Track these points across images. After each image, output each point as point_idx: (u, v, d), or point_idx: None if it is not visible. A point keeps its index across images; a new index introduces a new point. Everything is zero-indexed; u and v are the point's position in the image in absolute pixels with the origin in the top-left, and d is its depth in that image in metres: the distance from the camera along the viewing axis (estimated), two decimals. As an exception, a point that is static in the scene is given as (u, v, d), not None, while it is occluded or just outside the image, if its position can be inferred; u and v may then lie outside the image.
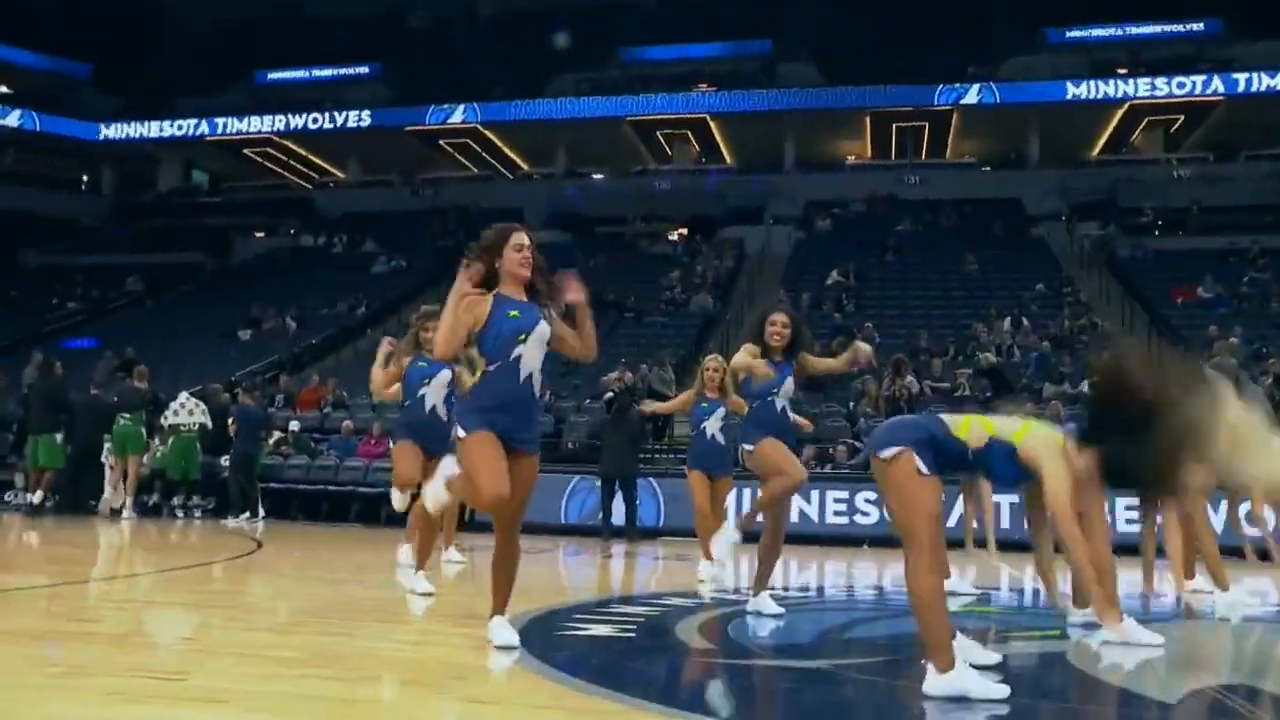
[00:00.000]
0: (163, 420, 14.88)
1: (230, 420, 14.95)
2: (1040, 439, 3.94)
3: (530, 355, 4.29)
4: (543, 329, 4.32)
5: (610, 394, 16.78)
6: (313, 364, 22.30)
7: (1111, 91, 29.97)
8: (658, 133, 34.26)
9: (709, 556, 7.79)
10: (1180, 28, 32.08)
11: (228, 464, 14.80)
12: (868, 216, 30.45)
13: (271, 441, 15.87)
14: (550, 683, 3.64)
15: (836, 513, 13.56)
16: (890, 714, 3.63)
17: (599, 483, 13.64)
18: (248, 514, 14.21)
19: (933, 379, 18.74)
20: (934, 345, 20.19)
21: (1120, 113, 30.70)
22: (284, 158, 36.58)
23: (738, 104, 32.29)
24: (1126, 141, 32.45)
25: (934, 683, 3.56)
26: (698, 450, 7.97)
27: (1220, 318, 21.25)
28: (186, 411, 14.95)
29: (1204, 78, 29.55)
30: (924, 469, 3.65)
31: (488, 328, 4.28)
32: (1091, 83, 30.00)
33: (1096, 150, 32.60)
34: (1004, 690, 3.53)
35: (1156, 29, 32.14)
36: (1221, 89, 29.39)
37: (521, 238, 4.39)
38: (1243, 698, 3.83)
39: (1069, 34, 32.47)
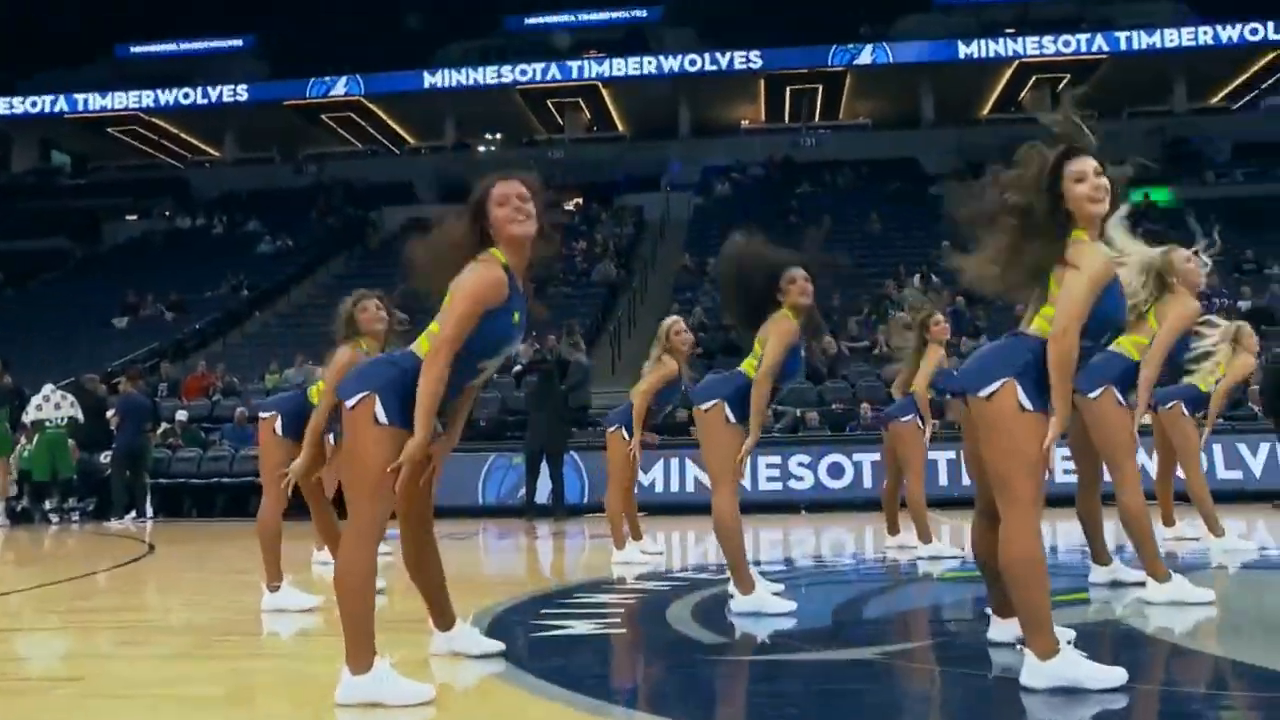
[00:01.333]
0: (24, 417, 13.49)
1: (111, 412, 13.69)
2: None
3: (494, 367, 3.35)
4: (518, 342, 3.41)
5: (519, 367, 15.98)
6: (198, 350, 20.90)
7: (1001, 50, 30.11)
8: (548, 101, 33.31)
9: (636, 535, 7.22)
10: (1064, -14, 32.39)
11: (109, 460, 13.54)
12: (766, 180, 30.08)
13: (158, 433, 14.63)
14: (563, 706, 2.89)
15: (770, 479, 13.01)
16: (988, 715, 2.95)
17: (517, 460, 12.87)
18: (133, 513, 13.02)
19: (850, 338, 18.43)
20: (846, 304, 19.92)
21: (1010, 71, 30.87)
22: (154, 136, 34.55)
23: (631, 71, 31.52)
24: (1016, 100, 32.65)
25: (1036, 672, 2.92)
26: (625, 410, 7.23)
27: (1122, 268, 21.35)
28: (52, 405, 13.56)
29: (1088, 36, 29.87)
30: (1028, 404, 3.01)
31: (485, 320, 3.13)
32: (981, 41, 30.10)
33: (987, 109, 32.75)
34: (1120, 675, 2.90)
35: (1041, -13, 32.38)
36: (1105, 47, 29.74)
37: (508, 183, 3.26)
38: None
39: (960, -9, 32.53)
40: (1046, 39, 29.81)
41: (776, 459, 13.08)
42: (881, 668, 3.40)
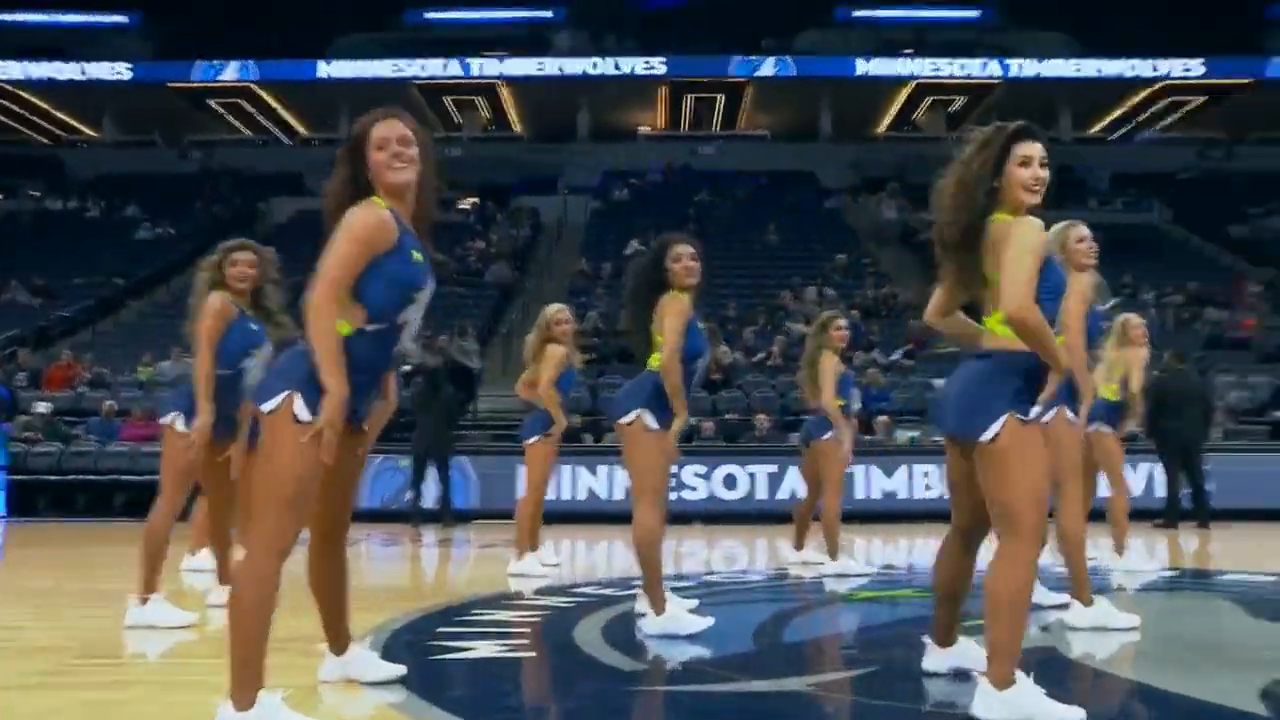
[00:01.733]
0: None
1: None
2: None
3: (415, 321, 3.00)
4: (431, 286, 3.04)
5: (408, 367, 15.49)
6: (64, 339, 19.75)
7: (899, 70, 30.57)
8: (446, 99, 32.66)
9: (534, 546, 6.92)
10: (959, 13, 33.03)
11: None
12: (664, 187, 30.01)
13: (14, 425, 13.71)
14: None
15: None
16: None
17: (404, 462, 12.39)
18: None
19: (745, 349, 18.38)
20: (742, 315, 19.91)
21: (907, 91, 31.36)
22: (23, 111, 32.71)
23: (531, 71, 31.11)
24: (911, 119, 33.25)
25: (990, 702, 2.72)
26: (546, 418, 6.96)
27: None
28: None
29: (982, 61, 30.52)
30: (1025, 421, 2.90)
31: (383, 266, 2.86)
32: (880, 60, 30.51)
33: (883, 127, 33.24)
34: (1079, 715, 2.71)
35: (938, 13, 32.96)
36: (998, 72, 30.44)
37: (387, 124, 2.99)
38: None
39: (856, 13, 32.89)
40: (943, 61, 30.38)
41: (670, 469, 12.84)
42: (811, 700, 3.16)
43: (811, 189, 29.60)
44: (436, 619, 4.59)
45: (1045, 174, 3.10)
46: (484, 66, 31.17)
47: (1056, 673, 3.57)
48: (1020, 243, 2.93)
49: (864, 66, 30.33)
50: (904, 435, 13.53)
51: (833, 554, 6.67)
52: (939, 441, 13.41)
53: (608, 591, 5.60)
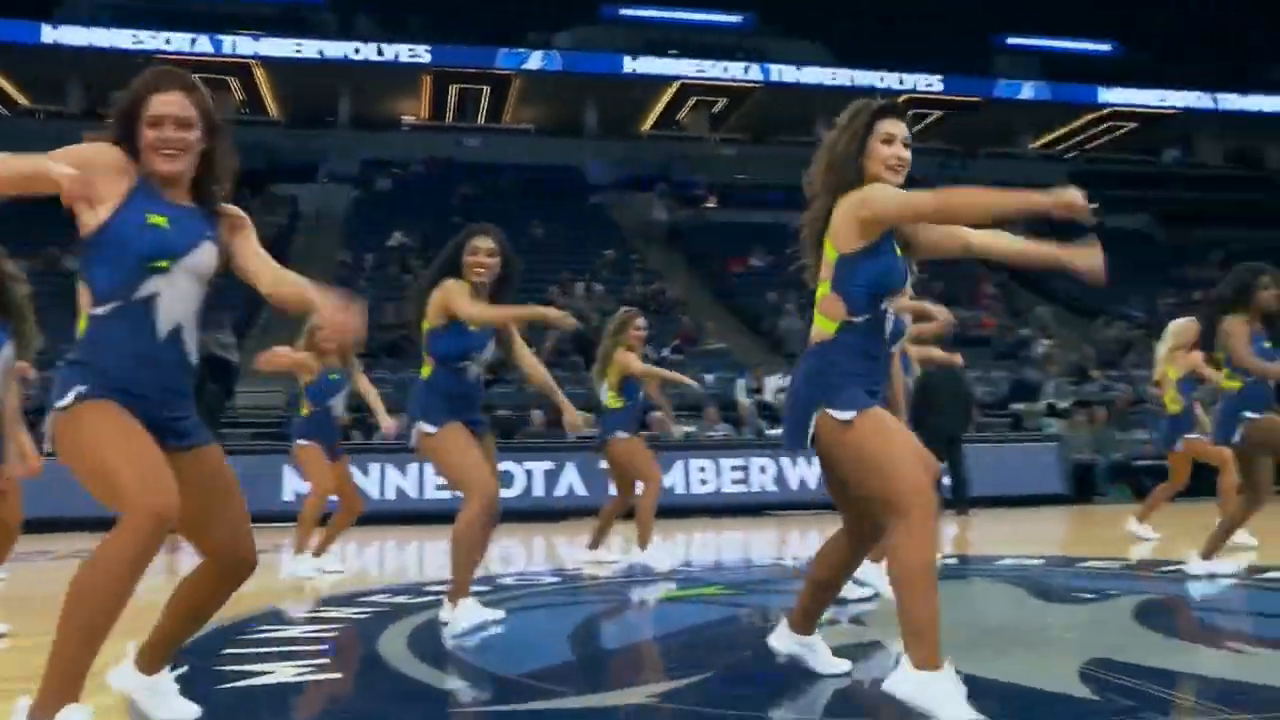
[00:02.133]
0: None
1: None
2: None
3: (175, 296, 2.60)
4: (204, 255, 2.66)
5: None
6: None
7: (665, 69, 31.06)
8: (194, 77, 30.57)
9: (318, 550, 6.56)
10: (722, 18, 33.93)
11: None
12: (427, 178, 29.31)
13: None
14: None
15: (439, 487, 12.32)
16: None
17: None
18: None
19: (516, 344, 18.08)
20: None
21: (672, 91, 31.93)
22: None
23: (290, 53, 29.64)
24: (675, 118, 33.88)
25: (905, 680, 2.68)
26: (317, 424, 6.60)
27: (773, 285, 22.59)
28: None
29: (744, 65, 31.45)
30: (844, 414, 2.85)
31: (104, 232, 2.54)
32: (647, 59, 30.90)
33: (649, 125, 33.71)
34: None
35: (702, 16, 33.73)
36: (759, 77, 31.46)
37: (167, 99, 2.62)
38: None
39: (623, 11, 33.22)
40: (707, 63, 31.09)
41: (414, 467, 12.43)
42: (658, 713, 2.98)
43: (577, 184, 29.67)
44: (217, 636, 4.12)
45: (907, 154, 3.03)
46: (238, 44, 29.47)
47: (878, 665, 3.54)
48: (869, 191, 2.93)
49: (631, 65, 30.68)
50: (679, 430, 13.63)
51: (643, 544, 6.60)
52: (713, 436, 13.52)
53: (401, 600, 5.24)
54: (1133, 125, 34.19)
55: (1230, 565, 5.82)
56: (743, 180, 30.10)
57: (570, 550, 8.27)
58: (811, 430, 2.85)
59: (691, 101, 32.89)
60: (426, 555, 8.70)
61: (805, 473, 12.97)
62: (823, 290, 2.98)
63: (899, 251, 3.01)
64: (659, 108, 33.07)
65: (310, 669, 3.54)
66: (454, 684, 3.36)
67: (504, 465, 12.39)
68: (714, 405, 14.63)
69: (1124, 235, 29.78)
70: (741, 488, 12.87)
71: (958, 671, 2.66)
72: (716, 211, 28.57)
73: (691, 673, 3.41)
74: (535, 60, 30.49)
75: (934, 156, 33.99)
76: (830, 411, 2.83)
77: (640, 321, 7.03)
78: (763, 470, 13.02)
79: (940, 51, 32.34)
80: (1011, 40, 34.83)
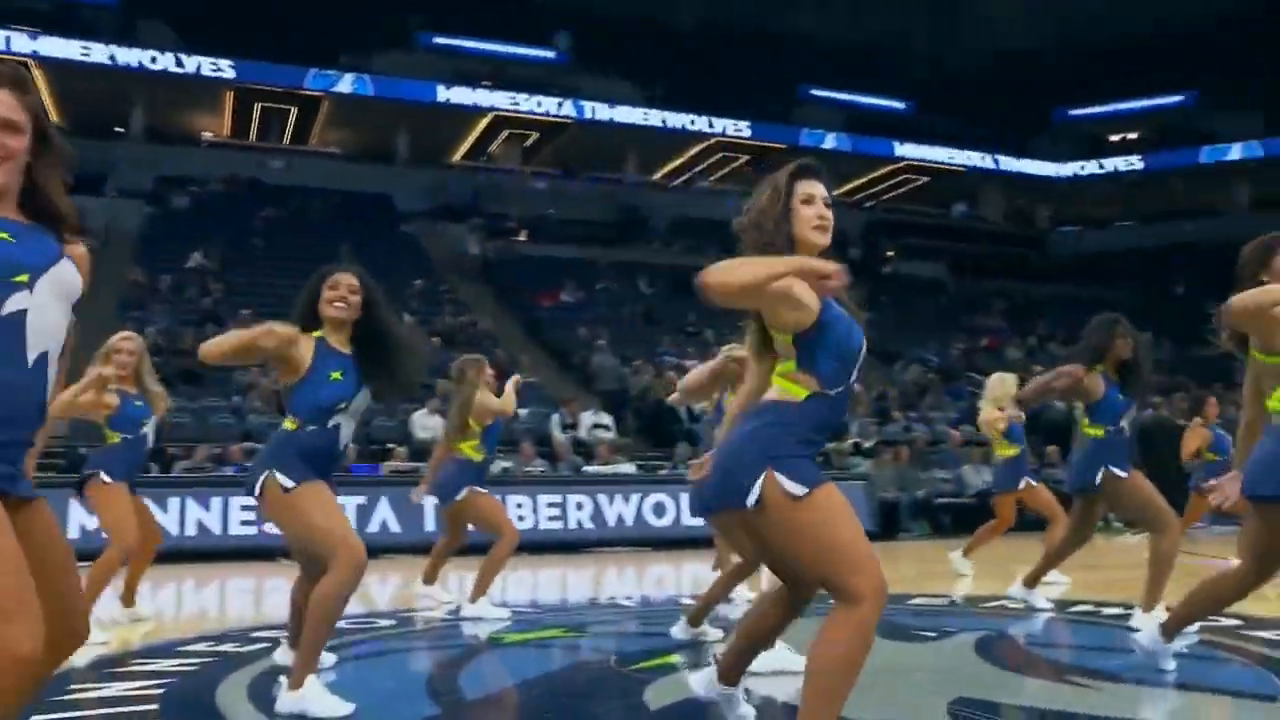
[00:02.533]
0: None
1: None
2: None
3: (42, 317, 2.29)
4: (68, 273, 2.40)
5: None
6: None
7: (479, 100, 30.82)
8: (25, 71, 28.30)
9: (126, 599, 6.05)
10: (536, 52, 33.97)
11: None
12: (227, 198, 28.05)
13: None
14: None
15: (244, 522, 11.66)
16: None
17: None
18: None
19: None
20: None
21: (485, 122, 31.68)
22: None
23: (74, 55, 27.81)
24: (487, 149, 33.64)
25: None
26: (123, 455, 6.04)
27: (585, 321, 22.63)
28: None
29: (558, 100, 31.55)
30: (795, 487, 2.73)
31: None
32: (461, 88, 30.59)
33: (460, 155, 33.32)
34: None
35: (516, 49, 33.67)
36: (573, 112, 31.63)
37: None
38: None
39: (438, 39, 32.82)
40: (521, 96, 31.03)
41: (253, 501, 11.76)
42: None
43: (387, 212, 29.00)
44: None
45: (829, 213, 2.99)
46: (12, 41, 27.41)
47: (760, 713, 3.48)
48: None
49: (445, 94, 30.28)
50: (498, 466, 13.36)
51: (476, 597, 6.32)
52: (530, 472, 13.31)
53: (228, 648, 4.84)
54: (925, 179, 36.14)
55: (1042, 599, 6.09)
56: (553, 215, 30.16)
57: (383, 589, 7.93)
58: (757, 494, 2.68)
59: (504, 134, 32.73)
60: (236, 596, 8.17)
61: (623, 509, 12.96)
62: (787, 367, 2.87)
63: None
64: (471, 138, 32.75)
65: (143, 732, 3.18)
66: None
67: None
68: (529, 441, 14.46)
69: (921, 283, 31.45)
70: (559, 524, 12.72)
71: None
72: (527, 245, 28.47)
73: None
74: (346, 83, 29.68)
75: (740, 198, 35.01)
76: (781, 479, 2.68)
77: (484, 360, 6.87)
78: (579, 507, 12.91)
79: (749, 99, 33.40)
80: (815, 92, 36.29)
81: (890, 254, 33.36)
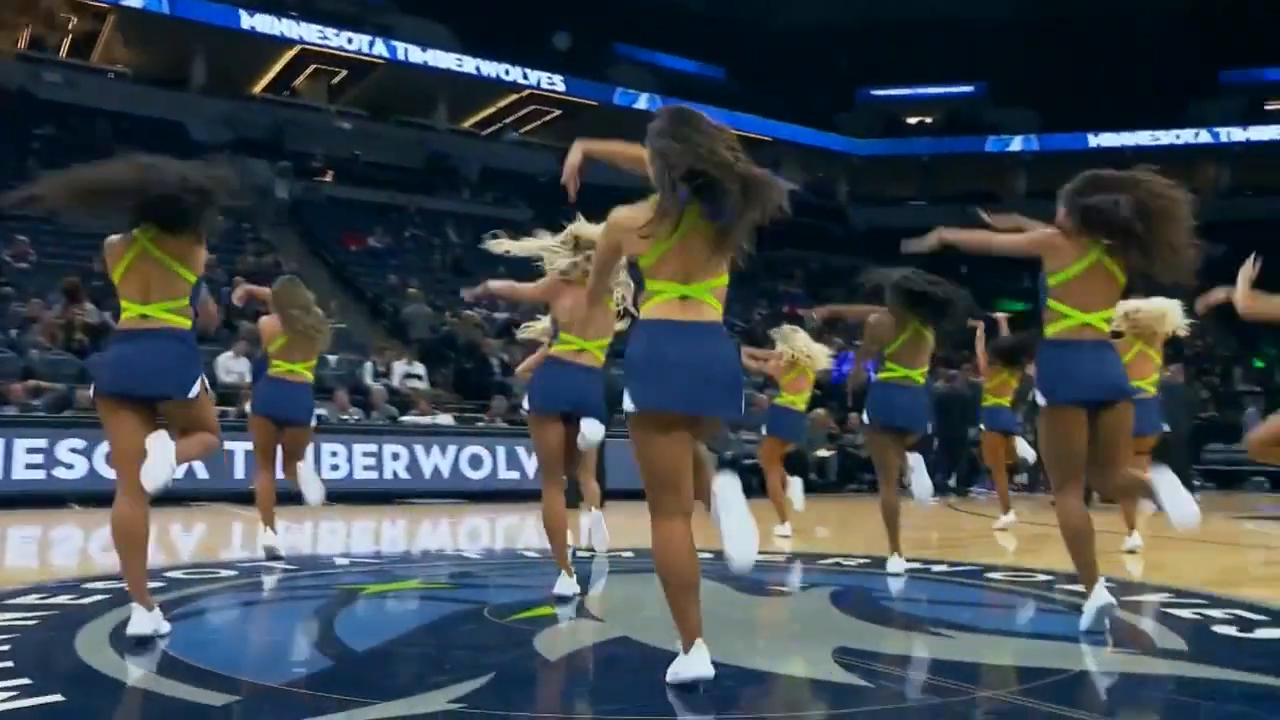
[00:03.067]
0: None
1: None
2: None
3: None
4: None
5: None
6: None
7: (285, 31, 29.27)
8: None
9: None
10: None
11: None
12: (-4, 112, 25.69)
13: None
14: None
15: (30, 465, 10.80)
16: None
17: None
18: None
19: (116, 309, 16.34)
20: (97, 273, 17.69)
21: (290, 54, 30.17)
22: None
23: None
24: (291, 84, 32.08)
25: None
26: None
27: (394, 268, 22.05)
28: None
29: (370, 38, 30.39)
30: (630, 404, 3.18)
31: None
32: (267, 17, 28.95)
33: (260, 86, 31.65)
34: None
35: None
36: (385, 53, 30.53)
37: None
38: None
39: (242, -40, 30.93)
40: (330, 30, 29.70)
41: (42, 442, 10.92)
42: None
43: (180, 141, 27.23)
44: None
45: None
46: None
47: (634, 662, 3.51)
48: None
49: (248, 21, 28.59)
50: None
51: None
52: (345, 420, 12.82)
53: (64, 599, 4.48)
54: (734, 147, 36.84)
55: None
56: (360, 157, 29.13)
57: (187, 539, 7.57)
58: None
59: (311, 69, 31.27)
60: (28, 546, 7.57)
61: (439, 461, 12.77)
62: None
63: None
64: (274, 70, 31.13)
65: (14, 692, 2.90)
66: (214, 697, 2.89)
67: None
68: (342, 389, 14.02)
69: (723, 248, 32.09)
70: (374, 475, 12.41)
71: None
72: (333, 186, 27.42)
73: (471, 676, 3.18)
74: (138, -3, 27.56)
75: (551, 152, 34.68)
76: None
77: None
78: (395, 457, 12.64)
79: (564, 52, 33.10)
80: (629, 51, 36.34)
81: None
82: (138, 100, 28.10)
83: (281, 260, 21.05)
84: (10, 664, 3.25)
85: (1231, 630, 4.09)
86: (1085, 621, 3.96)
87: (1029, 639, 4.19)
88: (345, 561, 6.19)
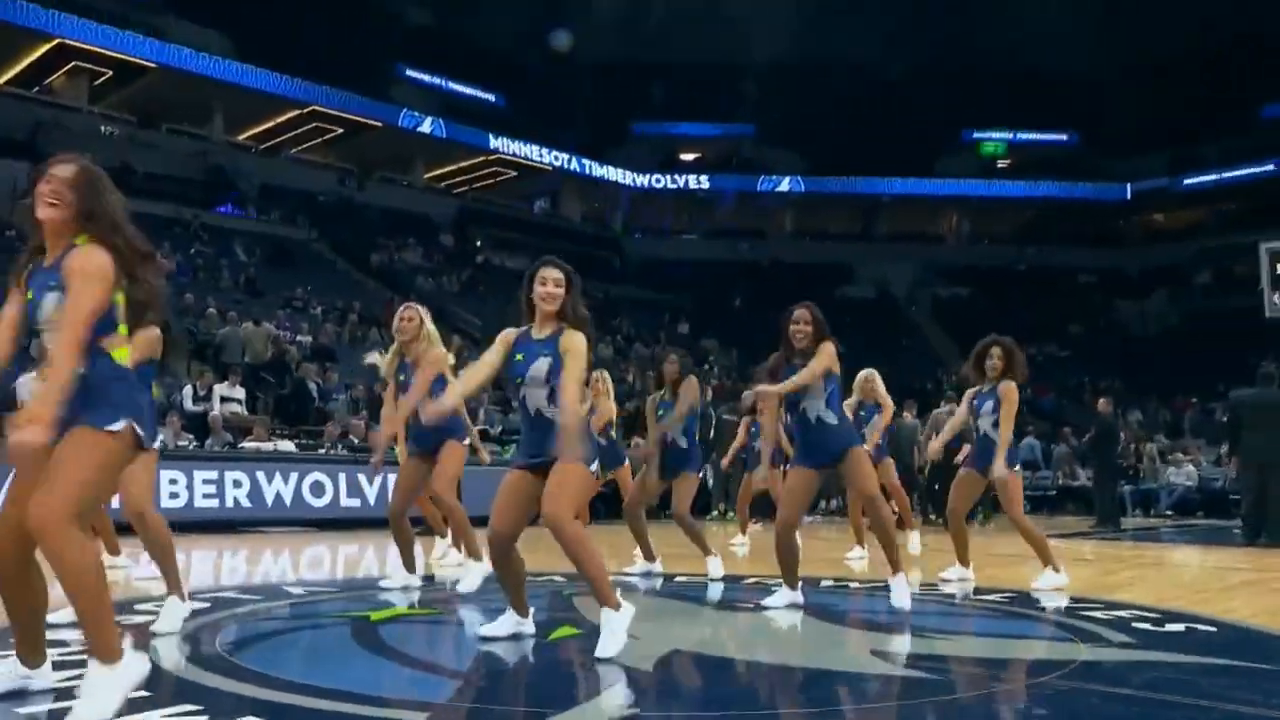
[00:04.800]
0: None
1: None
2: None
3: None
4: None
5: None
6: None
7: (41, 22, 27.13)
8: None
9: None
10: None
11: None
12: None
13: None
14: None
15: None
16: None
17: None
18: None
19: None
20: None
21: (47, 47, 28.02)
22: None
23: None
24: (46, 80, 29.76)
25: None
26: None
27: (186, 286, 20.94)
28: None
29: (140, 39, 28.75)
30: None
31: None
32: (23, 4, 26.75)
33: (7, 79, 29.12)
34: None
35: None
36: (153, 55, 28.95)
37: None
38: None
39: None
40: (92, 24, 27.78)
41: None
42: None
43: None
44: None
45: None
46: None
47: (693, 668, 3.74)
48: None
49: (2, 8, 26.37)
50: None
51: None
52: (183, 447, 12.19)
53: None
54: (514, 174, 37.17)
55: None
56: (135, 167, 27.39)
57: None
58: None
59: (71, 65, 29.10)
60: None
61: (281, 488, 12.37)
62: None
63: None
64: (27, 61, 28.75)
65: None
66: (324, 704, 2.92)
67: None
68: (173, 413, 13.30)
69: (505, 273, 32.28)
70: (214, 503, 11.86)
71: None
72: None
73: (607, 684, 3.37)
74: None
75: (332, 172, 33.81)
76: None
77: None
78: (237, 485, 12.14)
79: (346, 70, 32.43)
80: (412, 73, 36.01)
81: (479, 243, 33.97)
82: None
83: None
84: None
85: (1147, 626, 4.73)
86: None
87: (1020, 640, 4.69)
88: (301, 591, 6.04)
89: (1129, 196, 39.59)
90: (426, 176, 36.39)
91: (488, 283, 29.14)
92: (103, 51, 28.38)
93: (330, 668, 3.67)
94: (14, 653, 3.00)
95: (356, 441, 14.00)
